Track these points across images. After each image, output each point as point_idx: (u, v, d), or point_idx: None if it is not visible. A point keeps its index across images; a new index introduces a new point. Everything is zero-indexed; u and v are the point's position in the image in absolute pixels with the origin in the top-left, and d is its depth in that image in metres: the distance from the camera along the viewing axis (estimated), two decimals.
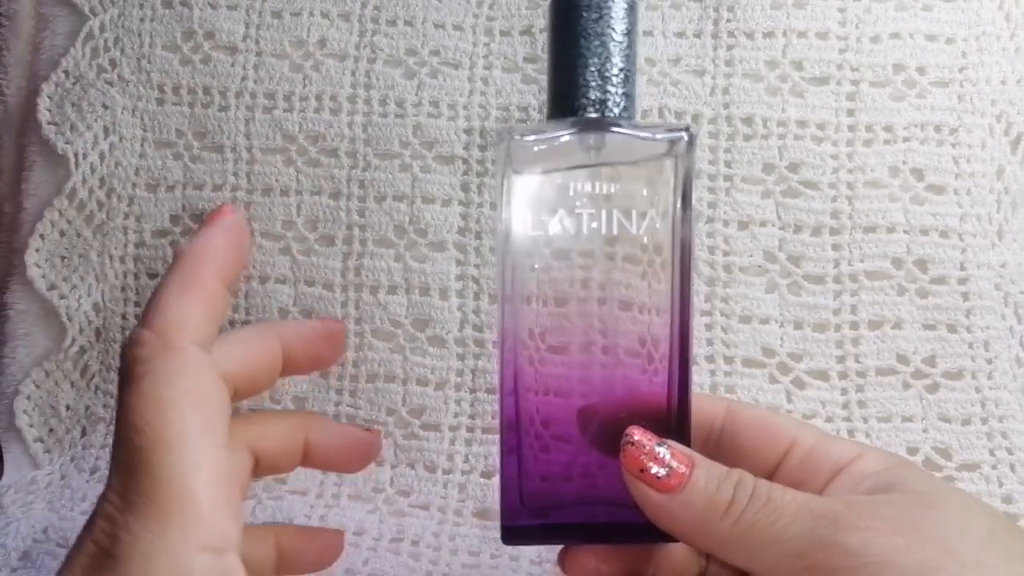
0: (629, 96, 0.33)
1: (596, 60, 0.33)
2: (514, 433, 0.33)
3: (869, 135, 0.48)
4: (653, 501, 0.30)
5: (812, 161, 0.48)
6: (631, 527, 0.32)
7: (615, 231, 0.33)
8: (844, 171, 0.48)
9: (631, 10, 0.33)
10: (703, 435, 0.35)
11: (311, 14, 0.49)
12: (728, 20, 0.48)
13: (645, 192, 0.33)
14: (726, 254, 0.48)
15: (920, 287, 0.48)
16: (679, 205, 0.33)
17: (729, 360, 0.48)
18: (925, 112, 0.48)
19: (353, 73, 0.49)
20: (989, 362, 0.48)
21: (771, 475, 0.34)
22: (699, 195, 0.48)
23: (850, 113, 0.48)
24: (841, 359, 0.48)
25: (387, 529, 0.46)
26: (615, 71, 0.33)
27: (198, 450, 0.28)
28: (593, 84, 0.33)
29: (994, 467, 0.47)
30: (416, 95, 0.49)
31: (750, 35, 0.48)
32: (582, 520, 0.34)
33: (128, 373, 0.29)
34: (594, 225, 0.33)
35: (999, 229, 0.48)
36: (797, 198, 0.48)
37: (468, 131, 0.49)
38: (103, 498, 0.28)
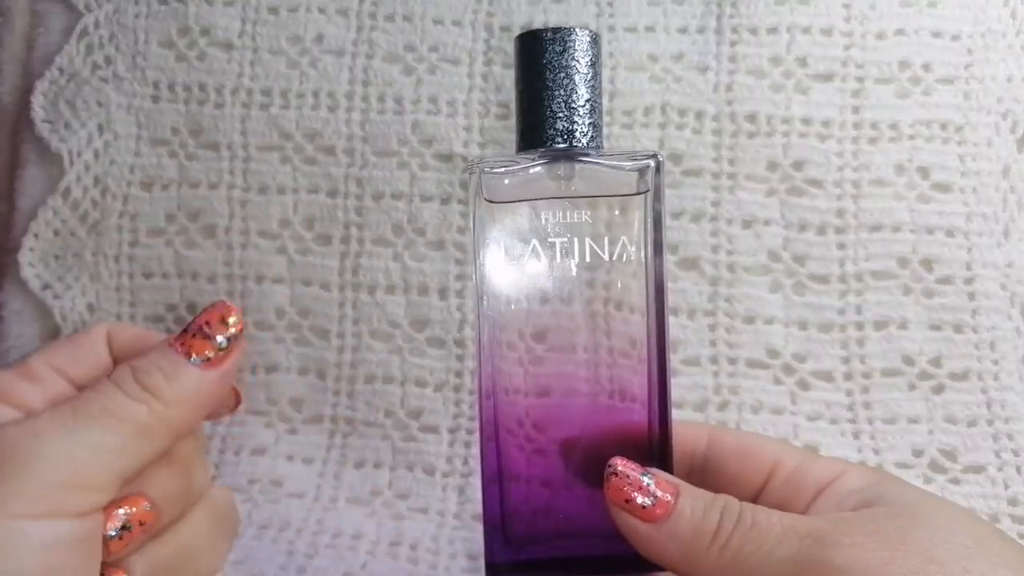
0: (596, 126, 0.34)
1: (562, 92, 0.34)
2: (495, 469, 0.34)
3: (874, 133, 0.47)
4: (640, 531, 0.30)
5: (817, 159, 0.47)
6: (618, 558, 0.32)
7: (588, 259, 0.34)
8: (849, 169, 0.47)
9: (594, 42, 0.34)
10: (687, 463, 0.35)
11: (308, 10, 0.49)
12: (731, 16, 0.48)
13: (616, 219, 0.34)
14: (729, 253, 0.47)
15: (926, 287, 0.47)
16: (651, 231, 0.34)
17: (733, 361, 0.47)
18: (931, 110, 0.48)
19: (350, 69, 0.48)
20: (995, 363, 0.47)
21: (756, 498, 0.34)
22: (702, 193, 0.47)
23: (855, 110, 0.47)
24: (846, 360, 0.47)
25: (385, 533, 0.45)
26: (581, 102, 0.34)
27: None
28: (560, 115, 0.34)
29: (1000, 469, 0.46)
30: (415, 92, 0.48)
31: (754, 31, 0.48)
32: (568, 553, 0.34)
33: None
34: (567, 254, 0.34)
35: (1005, 228, 0.48)
36: (801, 197, 0.47)
37: (468, 128, 0.48)
38: None
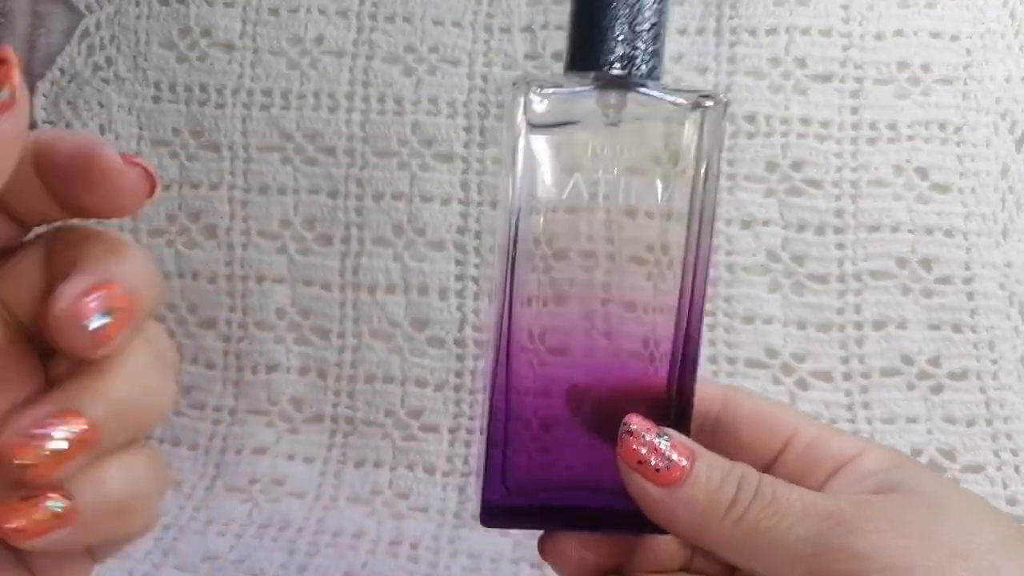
0: (658, 55, 0.30)
1: (627, 12, 0.30)
2: (503, 409, 0.31)
3: (873, 133, 0.47)
4: (651, 495, 0.28)
5: (815, 159, 0.47)
6: (622, 515, 0.30)
7: (633, 199, 0.30)
8: (848, 169, 0.47)
9: None
10: (698, 422, 0.33)
11: (308, 11, 0.49)
12: (731, 17, 0.48)
13: (665, 156, 0.31)
14: (729, 253, 0.47)
15: (924, 287, 0.47)
16: (702, 171, 0.30)
17: (732, 361, 0.47)
18: (929, 110, 0.48)
19: (351, 70, 0.49)
20: (994, 362, 0.47)
21: (769, 467, 0.32)
22: None
23: (854, 111, 0.48)
24: (845, 360, 0.47)
25: (385, 532, 0.45)
26: (646, 26, 0.30)
27: None
28: (621, 38, 0.30)
29: (999, 468, 0.46)
30: (415, 92, 0.48)
31: (753, 32, 0.48)
32: (570, 504, 0.32)
33: None
34: (609, 189, 0.30)
35: (1004, 228, 0.48)
36: (800, 197, 0.47)
37: (467, 129, 0.48)
38: None
